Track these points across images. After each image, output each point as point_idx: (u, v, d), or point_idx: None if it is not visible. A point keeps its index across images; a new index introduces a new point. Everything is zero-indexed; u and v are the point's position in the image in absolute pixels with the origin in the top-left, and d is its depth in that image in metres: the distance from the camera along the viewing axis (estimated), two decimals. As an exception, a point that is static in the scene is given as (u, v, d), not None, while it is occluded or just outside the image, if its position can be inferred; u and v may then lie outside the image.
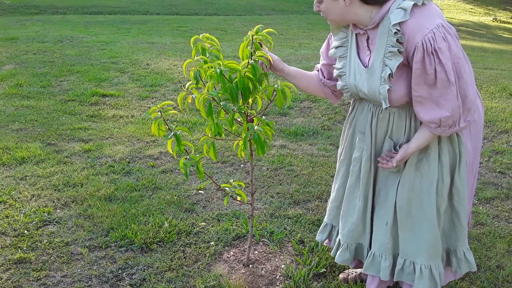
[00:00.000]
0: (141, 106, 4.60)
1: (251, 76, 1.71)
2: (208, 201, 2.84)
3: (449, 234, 1.80)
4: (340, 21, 1.65)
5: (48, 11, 13.23)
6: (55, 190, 2.88)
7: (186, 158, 1.84)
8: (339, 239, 1.94)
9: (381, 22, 1.57)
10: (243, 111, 1.78)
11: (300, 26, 11.48)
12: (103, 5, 14.30)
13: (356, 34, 1.69)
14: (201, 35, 1.79)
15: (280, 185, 3.07)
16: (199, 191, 2.95)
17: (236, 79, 1.70)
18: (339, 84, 1.78)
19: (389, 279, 1.81)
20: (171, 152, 1.84)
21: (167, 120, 1.81)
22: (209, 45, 1.80)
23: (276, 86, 1.77)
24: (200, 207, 2.76)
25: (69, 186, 2.94)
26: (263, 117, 1.84)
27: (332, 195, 2.01)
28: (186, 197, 2.86)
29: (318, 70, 1.94)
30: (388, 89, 1.59)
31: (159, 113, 1.76)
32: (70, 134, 3.80)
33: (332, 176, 3.20)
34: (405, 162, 1.72)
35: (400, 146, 1.70)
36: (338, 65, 1.77)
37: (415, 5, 1.51)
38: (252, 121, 1.84)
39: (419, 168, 1.70)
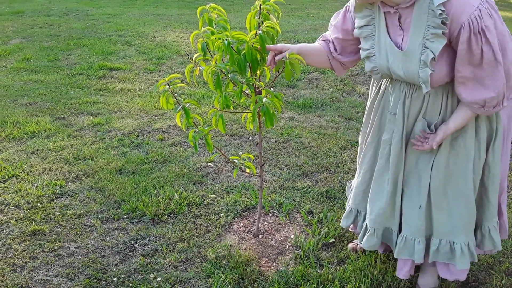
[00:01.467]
0: (149, 79, 4.59)
1: (259, 48, 1.69)
2: (217, 174, 2.86)
3: (476, 209, 1.75)
4: None
5: (52, -17, 13.09)
6: (66, 163, 2.92)
7: (195, 131, 1.85)
8: (366, 224, 1.87)
9: (417, 1, 1.49)
10: (251, 83, 1.77)
11: (307, -5, 11.27)
12: (108, -23, 14.09)
13: (385, 12, 1.59)
14: (207, 6, 1.77)
15: (289, 157, 3.08)
16: (208, 164, 2.97)
17: (244, 51, 1.68)
18: (368, 65, 1.69)
19: (423, 261, 1.78)
20: (180, 125, 1.84)
21: (175, 93, 1.81)
22: (216, 16, 1.78)
23: (284, 58, 1.74)
24: (209, 180, 2.78)
25: (80, 160, 2.97)
26: (271, 89, 1.83)
27: (358, 180, 1.94)
28: (195, 170, 2.88)
29: (327, 41, 1.84)
30: (431, 74, 1.51)
31: (167, 86, 1.76)
32: (79, 108, 3.81)
33: (341, 148, 3.20)
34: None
35: (435, 126, 1.64)
36: (365, 45, 1.67)
37: None
38: (260, 93, 1.83)
39: (454, 147, 1.65)
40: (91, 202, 2.52)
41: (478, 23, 1.42)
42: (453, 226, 1.71)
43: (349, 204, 2.01)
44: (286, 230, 2.33)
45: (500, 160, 1.69)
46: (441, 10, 1.44)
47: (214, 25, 1.76)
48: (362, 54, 1.69)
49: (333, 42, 1.81)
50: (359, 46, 1.72)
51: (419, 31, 1.51)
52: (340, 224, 2.08)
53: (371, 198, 1.83)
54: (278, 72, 1.81)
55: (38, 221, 2.33)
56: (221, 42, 1.66)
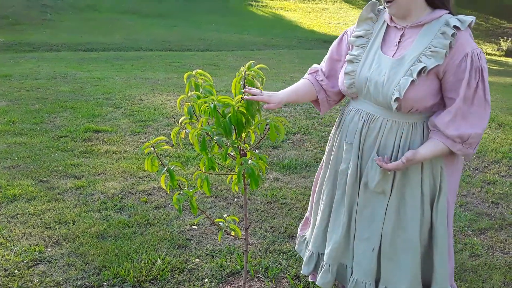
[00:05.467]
0: (134, 141, 4.60)
1: (244, 111, 1.73)
2: (202, 237, 2.81)
3: (425, 270, 1.73)
4: (404, 7, 1.61)
5: (41, 48, 13.38)
6: (46, 228, 2.84)
7: (179, 193, 1.84)
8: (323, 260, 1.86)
9: (428, 24, 1.59)
10: (236, 146, 1.79)
11: (291, 60, 11.68)
12: (97, 42, 14.49)
13: (388, 27, 1.69)
14: (194, 71, 1.82)
15: (274, 218, 3.05)
16: (193, 227, 2.92)
17: (230, 114, 1.72)
18: (347, 68, 1.73)
19: None
20: (164, 187, 1.83)
21: (160, 155, 1.82)
22: (202, 81, 1.83)
23: (268, 121, 1.78)
24: (193, 243, 2.73)
25: (61, 224, 2.90)
26: (256, 151, 1.85)
27: (317, 219, 1.92)
28: (179, 233, 2.83)
29: (314, 72, 1.89)
30: (412, 81, 1.54)
31: (152, 148, 1.76)
32: (63, 170, 3.78)
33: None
34: (392, 185, 1.67)
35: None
36: (353, 52, 1.74)
37: (470, 24, 1.56)
38: (245, 155, 1.84)
39: (404, 195, 1.67)
40: (70, 268, 2.43)
41: (479, 60, 1.53)
42: (399, 276, 1.70)
43: (308, 249, 1.96)
44: (272, 295, 2.26)
45: (446, 224, 1.67)
46: (454, 31, 1.53)
47: (201, 90, 1.80)
48: (347, 57, 1.75)
49: (321, 70, 1.87)
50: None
51: (419, 47, 1.58)
52: (301, 272, 2.02)
53: (329, 231, 1.83)
54: (262, 134, 1.84)
55: (13, 289, 2.23)
56: (207, 106, 1.69)
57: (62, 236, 2.74)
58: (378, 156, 1.68)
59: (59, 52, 12.52)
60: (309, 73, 1.93)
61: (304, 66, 10.65)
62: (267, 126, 1.79)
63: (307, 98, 1.91)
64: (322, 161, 1.97)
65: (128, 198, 3.32)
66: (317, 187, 1.96)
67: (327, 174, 1.88)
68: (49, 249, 2.61)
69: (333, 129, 1.89)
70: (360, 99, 1.75)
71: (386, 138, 1.67)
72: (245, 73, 1.76)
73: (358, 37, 1.75)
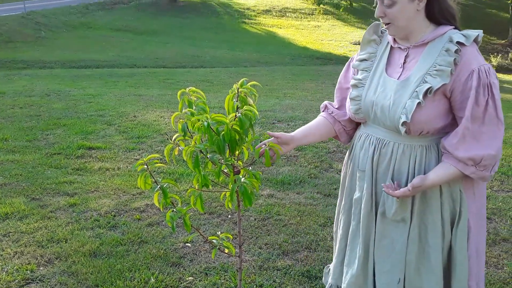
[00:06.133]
0: (128, 158, 4.59)
1: (238, 129, 1.74)
2: (196, 254, 2.79)
3: None
4: (403, 28, 1.56)
5: (35, 65, 13.40)
6: (38, 246, 2.81)
7: (173, 211, 1.83)
8: None
9: (432, 42, 1.54)
10: (230, 163, 1.80)
11: (284, 77, 11.76)
12: (91, 59, 14.54)
13: (392, 48, 1.64)
14: (187, 89, 1.83)
15: (269, 235, 3.04)
16: (186, 244, 2.90)
17: (223, 132, 1.72)
18: (352, 93, 1.68)
19: None
20: (158, 205, 1.82)
21: (154, 171, 1.82)
22: (196, 98, 1.84)
23: (264, 146, 1.78)
24: (187, 261, 2.71)
25: (53, 242, 2.87)
26: (250, 167, 1.86)
27: (335, 250, 1.85)
28: (173, 251, 2.81)
29: (325, 108, 1.86)
30: (418, 103, 1.47)
31: (145, 166, 1.76)
32: (55, 188, 3.75)
33: (321, 225, 3.19)
34: (411, 212, 1.58)
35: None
36: (358, 76, 1.69)
37: (476, 38, 1.49)
38: (238, 172, 1.85)
39: (423, 220, 1.59)
40: (62, 287, 2.40)
41: (487, 76, 1.45)
42: None
43: (328, 280, 1.90)
44: (267, 313, 2.24)
45: (466, 250, 1.59)
46: (457, 47, 1.46)
47: (194, 107, 1.81)
48: (352, 82, 1.70)
49: (330, 104, 1.85)
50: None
51: (423, 67, 1.52)
52: None
53: (345, 264, 1.75)
54: (256, 155, 1.84)
55: (4, 309, 2.20)
56: (201, 124, 1.70)
57: (54, 255, 2.71)
58: (393, 183, 1.59)
59: (52, 69, 12.55)
60: (322, 111, 1.89)
61: (297, 83, 10.73)
62: (263, 148, 1.78)
63: (325, 135, 1.85)
64: (341, 183, 1.90)
65: (121, 215, 3.30)
66: (335, 216, 1.90)
67: (343, 203, 1.81)
68: (41, 268, 2.58)
69: (346, 156, 1.83)
70: (369, 124, 1.69)
71: (400, 163, 1.59)
72: (238, 90, 1.77)
73: (362, 60, 1.70)
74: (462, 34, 1.50)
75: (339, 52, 20.00)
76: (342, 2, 25.57)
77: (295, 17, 26.99)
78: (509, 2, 19.12)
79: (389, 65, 1.64)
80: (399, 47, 1.62)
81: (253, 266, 2.66)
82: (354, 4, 25.96)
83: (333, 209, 3.44)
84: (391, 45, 1.66)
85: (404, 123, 1.51)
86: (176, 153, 1.81)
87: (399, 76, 1.58)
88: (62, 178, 3.96)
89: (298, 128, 1.88)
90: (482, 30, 1.52)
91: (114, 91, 8.46)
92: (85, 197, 3.57)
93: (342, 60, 17.69)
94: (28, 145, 4.94)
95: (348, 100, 1.73)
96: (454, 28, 1.56)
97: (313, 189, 3.86)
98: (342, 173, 1.87)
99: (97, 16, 24.30)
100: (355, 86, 1.69)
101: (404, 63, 1.60)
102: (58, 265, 2.61)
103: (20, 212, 3.27)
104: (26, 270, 2.54)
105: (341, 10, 26.76)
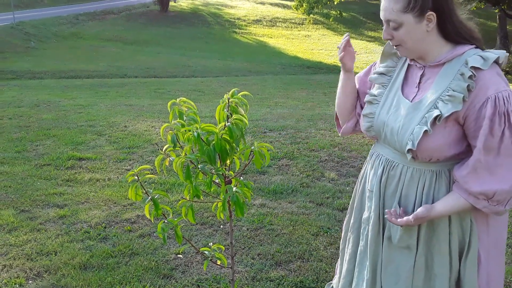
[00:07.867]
0: (118, 168, 4.55)
1: (228, 138, 1.73)
2: (187, 266, 2.76)
3: None
4: (414, 50, 1.48)
5: (25, 76, 13.32)
6: (27, 259, 2.77)
7: (164, 222, 1.81)
8: None
9: (448, 63, 1.43)
10: (221, 173, 1.79)
11: (275, 86, 11.79)
12: (81, 70, 14.49)
13: (409, 65, 1.56)
14: (178, 99, 1.82)
15: (261, 245, 3.02)
16: (178, 255, 2.87)
17: (214, 141, 1.71)
18: (365, 110, 1.62)
19: None
20: (149, 217, 1.81)
21: (145, 182, 1.80)
22: (186, 109, 1.83)
23: (253, 148, 1.78)
24: (179, 273, 2.68)
25: (43, 255, 2.82)
26: (241, 177, 1.85)
27: (343, 269, 1.79)
28: (164, 262, 2.78)
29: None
30: (425, 131, 1.39)
31: (136, 177, 1.75)
32: (45, 199, 3.71)
33: (313, 235, 3.18)
34: (417, 239, 1.52)
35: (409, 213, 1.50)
36: (374, 91, 1.62)
37: (496, 60, 1.38)
38: (230, 182, 1.84)
39: (430, 248, 1.52)
40: (51, 301, 2.36)
41: (505, 104, 1.33)
42: None
43: None
44: (260, 325, 2.22)
45: (476, 281, 1.51)
46: (472, 72, 1.36)
47: (184, 117, 1.80)
48: (367, 97, 1.63)
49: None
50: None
51: (437, 90, 1.43)
52: None
53: (353, 286, 1.71)
54: (247, 161, 1.84)
55: (-9, 325, 2.16)
56: (191, 134, 1.69)
57: (43, 268, 2.67)
58: (400, 207, 1.52)
59: (42, 80, 12.48)
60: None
61: (288, 92, 10.76)
62: (252, 153, 1.79)
63: (347, 109, 1.76)
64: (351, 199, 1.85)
65: (112, 227, 3.26)
66: (343, 233, 1.85)
67: (352, 221, 1.76)
68: (30, 282, 2.54)
69: (360, 172, 1.78)
70: (381, 142, 1.63)
71: (408, 188, 1.52)
72: (228, 100, 1.76)
73: (380, 74, 1.63)
74: (481, 56, 1.39)
75: (330, 61, 20.14)
76: (332, 12, 25.81)
77: (285, 26, 27.20)
78: (496, 11, 19.39)
79: (406, 83, 1.56)
80: (416, 65, 1.54)
81: (246, 277, 2.64)
82: (344, 14, 26.20)
83: (325, 218, 3.43)
84: (408, 62, 1.58)
85: (409, 150, 1.45)
86: (167, 163, 1.80)
87: (414, 97, 1.51)
88: (51, 190, 3.91)
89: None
90: (505, 51, 1.41)
91: (104, 101, 8.42)
92: (75, 209, 3.53)
93: (332, 69, 17.81)
94: (17, 156, 4.88)
95: (362, 116, 1.67)
96: (475, 47, 1.45)
97: (305, 198, 3.85)
98: (354, 190, 1.82)
99: (87, 26, 24.29)
100: (369, 102, 1.62)
101: (419, 83, 1.52)
102: (47, 279, 2.57)
103: (9, 225, 3.22)
104: (15, 284, 2.50)
105: (331, 20, 27.01)
